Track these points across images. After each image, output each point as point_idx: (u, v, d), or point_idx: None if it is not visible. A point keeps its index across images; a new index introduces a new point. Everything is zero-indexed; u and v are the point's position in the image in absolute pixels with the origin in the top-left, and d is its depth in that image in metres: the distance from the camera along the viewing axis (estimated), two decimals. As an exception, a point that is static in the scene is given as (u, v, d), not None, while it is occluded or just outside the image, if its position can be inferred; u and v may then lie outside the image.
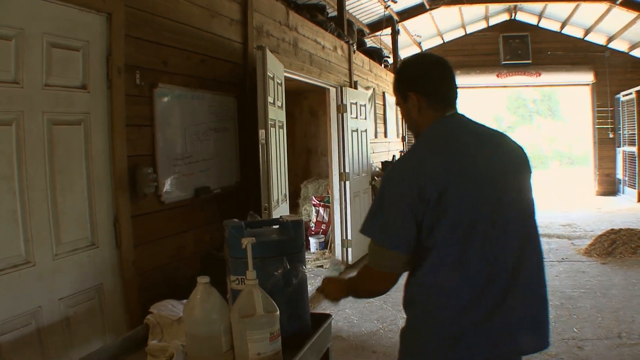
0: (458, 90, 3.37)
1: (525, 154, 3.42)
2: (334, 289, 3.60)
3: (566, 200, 22.42)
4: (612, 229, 13.19)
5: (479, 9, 20.91)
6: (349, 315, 8.64)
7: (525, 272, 3.12)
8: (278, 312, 3.10)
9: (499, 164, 3.19)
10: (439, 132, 3.21)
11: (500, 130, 3.50)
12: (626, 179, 21.60)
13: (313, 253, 13.11)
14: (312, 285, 10.14)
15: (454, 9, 19.75)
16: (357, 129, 12.58)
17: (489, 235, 3.01)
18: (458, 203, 2.95)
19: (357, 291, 3.50)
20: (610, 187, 22.83)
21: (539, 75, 23.12)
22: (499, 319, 3.01)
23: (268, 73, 6.84)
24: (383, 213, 3.07)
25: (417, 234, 2.99)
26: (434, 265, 3.01)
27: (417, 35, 21.89)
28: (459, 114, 3.33)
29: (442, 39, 23.89)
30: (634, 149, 20.09)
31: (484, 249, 3.00)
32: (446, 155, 3.08)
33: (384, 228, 3.05)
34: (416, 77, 3.32)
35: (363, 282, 3.37)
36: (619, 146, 22.18)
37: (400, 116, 18.35)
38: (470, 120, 3.35)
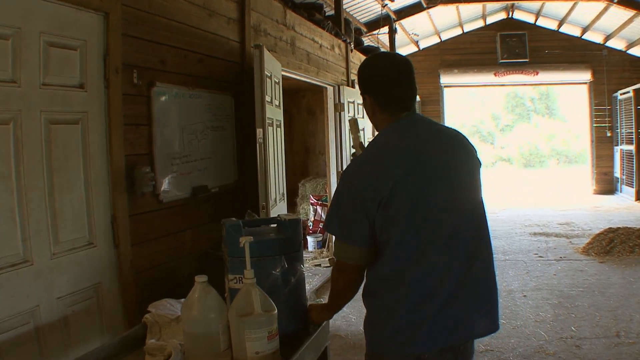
0: (415, 90, 3.49)
1: (475, 152, 3.53)
2: (316, 312, 3.71)
3: (564, 198, 22.41)
4: (610, 228, 13.21)
5: (476, 8, 20.88)
6: (347, 314, 8.65)
7: (477, 263, 3.29)
8: (276, 311, 3.10)
9: (450, 162, 3.32)
10: (390, 135, 3.35)
11: (454, 129, 3.57)
12: (624, 177, 21.61)
13: (311, 252, 13.08)
14: (310, 284, 10.17)
15: (451, 8, 19.73)
16: (355, 128, 12.53)
17: (443, 229, 3.19)
18: (409, 201, 3.12)
19: (335, 294, 3.56)
20: (608, 186, 22.84)
21: (537, 73, 23.13)
22: (455, 307, 3.21)
23: (265, 72, 6.84)
24: (340, 210, 3.26)
25: (371, 231, 3.18)
26: (392, 259, 3.18)
27: (415, 34, 21.88)
28: (414, 115, 3.43)
29: (440, 37, 23.88)
30: (632, 147, 20.10)
31: (439, 242, 3.18)
32: (396, 157, 3.22)
33: (341, 224, 3.26)
34: (370, 81, 3.46)
35: (336, 281, 3.47)
36: (617, 145, 22.18)
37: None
38: (425, 120, 3.49)
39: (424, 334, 3.17)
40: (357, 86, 12.29)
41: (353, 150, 4.11)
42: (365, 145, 3.59)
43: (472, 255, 3.27)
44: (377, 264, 3.24)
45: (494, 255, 3.47)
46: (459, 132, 3.55)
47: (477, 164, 3.49)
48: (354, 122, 4.09)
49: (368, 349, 3.46)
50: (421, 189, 3.14)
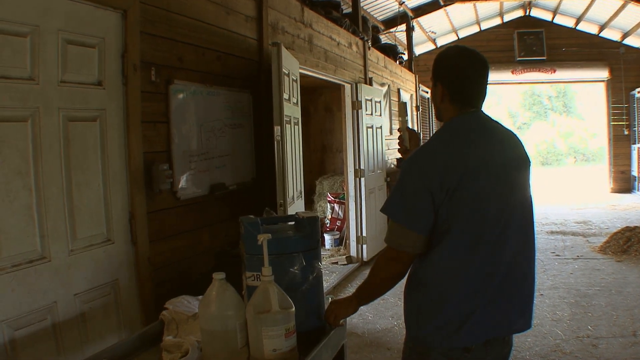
0: (486, 92, 3.50)
1: (527, 152, 3.59)
2: (340, 307, 3.63)
3: (581, 197, 22.34)
4: (627, 227, 13.15)
5: (493, 5, 20.84)
6: (364, 312, 8.64)
7: (522, 260, 3.37)
8: (294, 309, 3.09)
9: (508, 161, 3.38)
10: (459, 128, 3.36)
11: (510, 129, 3.61)
12: (641, 176, 21.53)
13: (328, 249, 13.10)
14: (327, 281, 10.18)
15: (468, 5, 19.71)
16: (372, 126, 12.57)
17: (498, 225, 3.24)
18: (474, 194, 3.17)
19: (372, 286, 3.53)
20: (625, 185, 22.74)
21: (554, 71, 23.05)
22: (501, 300, 3.28)
23: (283, 70, 6.84)
24: (406, 195, 3.24)
25: (434, 219, 3.19)
26: (450, 249, 3.20)
27: (432, 32, 21.87)
28: (479, 112, 3.46)
29: (457, 35, 23.84)
30: (650, 146, 20.02)
31: (493, 238, 3.23)
32: (465, 149, 3.24)
33: (406, 209, 3.23)
34: (447, 70, 3.44)
35: (381, 271, 3.43)
36: (634, 143, 22.07)
37: (415, 113, 18.35)
38: (487, 118, 3.48)
39: (472, 326, 3.23)
40: (375, 84, 12.30)
41: (398, 134, 4.20)
42: (409, 128, 3.94)
43: (518, 252, 3.35)
44: (431, 253, 3.28)
45: (536, 259, 3.53)
46: (512, 131, 3.63)
47: (529, 163, 3.56)
48: (403, 107, 4.27)
49: (411, 342, 3.46)
50: (486, 183, 3.21)
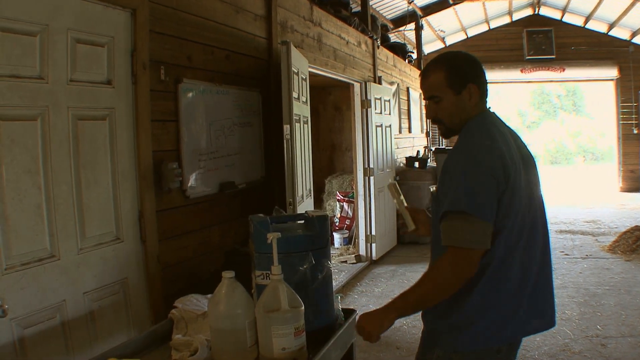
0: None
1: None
2: (372, 321, 3.23)
3: (590, 196, 22.30)
4: (636, 226, 13.11)
5: (502, 4, 20.82)
6: (373, 311, 8.63)
7: (546, 259, 3.42)
8: (303, 307, 3.10)
9: (525, 158, 3.36)
10: (491, 123, 3.37)
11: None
12: (651, 175, 21.48)
13: (337, 248, 13.09)
14: (336, 280, 10.18)
15: (477, 4, 19.69)
16: (382, 124, 12.58)
17: (531, 222, 3.26)
18: (522, 189, 3.18)
19: (425, 294, 3.16)
20: (634, 184, 22.66)
21: (563, 70, 23.01)
22: (535, 300, 3.31)
23: (292, 68, 6.84)
24: (470, 185, 3.08)
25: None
26: (504, 242, 3.15)
27: (441, 31, 21.86)
28: (489, 109, 3.50)
29: (466, 34, 23.82)
30: (659, 144, 19.98)
31: (528, 236, 3.25)
32: (508, 145, 3.24)
33: (474, 197, 3.06)
34: (476, 70, 3.42)
35: (439, 275, 3.13)
36: (644, 142, 22.01)
37: (424, 111, 18.32)
38: (496, 115, 3.51)
39: (512, 326, 3.24)
40: (384, 83, 12.29)
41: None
42: (409, 207, 3.88)
43: (544, 251, 3.38)
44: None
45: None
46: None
47: (535, 161, 3.54)
48: (394, 187, 4.00)
49: (447, 350, 3.27)
50: (524, 177, 3.23)
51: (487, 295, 3.17)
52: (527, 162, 3.34)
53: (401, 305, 3.20)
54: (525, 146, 3.47)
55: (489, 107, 3.48)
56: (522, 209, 3.17)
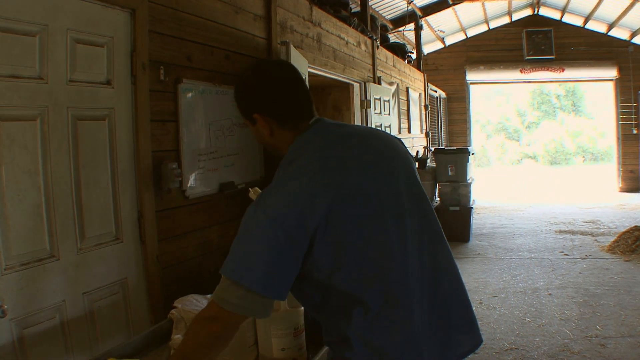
0: (310, 96, 3.00)
1: (402, 144, 3.13)
2: None
3: (589, 196, 22.29)
4: (635, 226, 13.13)
5: (502, 4, 20.85)
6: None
7: (442, 274, 2.89)
8: (302, 308, 3.10)
9: (377, 164, 2.84)
10: (310, 142, 2.85)
11: (368, 127, 3.24)
12: (650, 175, 21.49)
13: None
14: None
15: (476, 4, 19.72)
16: (381, 125, 12.56)
17: (402, 246, 2.75)
18: (346, 223, 2.63)
19: (185, 355, 2.64)
20: (634, 184, 22.68)
21: (563, 70, 23.05)
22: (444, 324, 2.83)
23: (292, 69, 6.83)
24: (248, 250, 2.67)
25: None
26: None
27: (441, 31, 21.90)
28: (318, 121, 2.96)
29: (465, 34, 23.85)
30: (658, 145, 20.00)
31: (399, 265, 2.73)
32: (322, 176, 2.67)
33: (248, 267, 2.60)
34: (261, 96, 2.94)
35: (200, 333, 2.64)
36: (643, 142, 22.03)
37: (423, 112, 18.35)
38: (332, 124, 3.01)
39: None
40: (383, 83, 12.29)
41: None
42: None
43: (434, 269, 2.87)
44: None
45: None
46: (378, 130, 3.22)
47: (409, 158, 3.09)
48: (255, 193, 3.56)
49: None
50: (356, 209, 2.69)
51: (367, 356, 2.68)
52: (382, 168, 2.83)
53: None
54: (385, 146, 2.96)
55: (310, 124, 2.92)
56: (372, 245, 2.68)
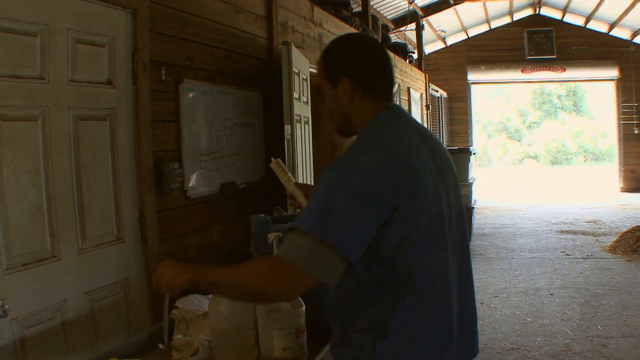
0: (394, 80, 2.99)
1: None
2: (169, 271, 2.78)
3: (591, 196, 22.28)
4: (637, 226, 13.14)
5: (503, 4, 20.85)
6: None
7: (462, 281, 2.91)
8: (304, 307, 3.10)
9: (441, 165, 2.86)
10: (390, 125, 2.80)
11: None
12: (652, 175, 21.48)
13: (337, 248, 13.05)
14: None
15: (478, 4, 19.72)
16: (382, 125, 12.50)
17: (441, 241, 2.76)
18: (429, 205, 2.66)
19: (228, 283, 2.61)
20: (635, 184, 22.67)
21: (564, 70, 23.05)
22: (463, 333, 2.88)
23: (293, 68, 6.84)
24: (336, 205, 2.50)
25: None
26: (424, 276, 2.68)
27: (442, 31, 21.90)
28: (397, 105, 2.96)
29: (467, 34, 23.86)
30: (660, 144, 19.99)
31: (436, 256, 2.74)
32: (414, 150, 2.71)
33: (333, 222, 2.47)
34: (352, 59, 2.86)
35: (257, 279, 2.53)
36: (645, 142, 22.02)
37: (425, 112, 18.34)
38: (407, 112, 3.08)
39: None
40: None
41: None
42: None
43: (459, 271, 2.93)
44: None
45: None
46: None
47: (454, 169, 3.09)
48: (277, 165, 3.72)
49: None
50: (444, 192, 2.79)
51: (401, 345, 2.65)
52: (441, 170, 2.83)
53: (202, 274, 2.71)
54: (440, 148, 2.96)
55: (393, 104, 2.92)
56: (436, 233, 2.70)
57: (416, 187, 2.59)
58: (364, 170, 2.54)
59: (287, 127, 6.64)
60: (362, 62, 2.84)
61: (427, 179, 2.65)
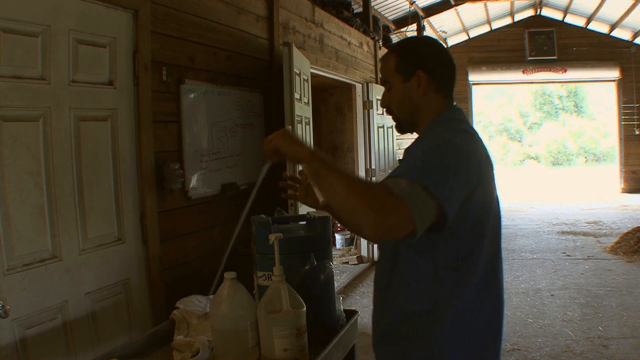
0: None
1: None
2: (292, 141, 2.88)
3: (592, 197, 22.26)
4: (638, 227, 13.10)
5: (504, 5, 20.81)
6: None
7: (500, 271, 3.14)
8: (305, 309, 3.10)
9: (491, 162, 2.94)
10: (463, 120, 2.97)
11: None
12: (652, 176, 21.47)
13: (339, 249, 13.13)
14: (338, 281, 10.18)
15: (479, 5, 19.68)
16: (383, 125, 12.57)
17: (491, 235, 2.93)
18: (491, 198, 2.85)
19: (339, 185, 2.47)
20: (636, 185, 22.61)
21: (565, 71, 22.99)
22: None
23: (294, 69, 6.85)
24: (441, 163, 2.55)
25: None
26: (482, 263, 2.93)
27: (443, 32, 21.86)
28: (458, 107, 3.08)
29: (468, 35, 23.81)
30: (661, 145, 19.98)
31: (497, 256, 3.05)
32: (480, 146, 2.84)
33: (438, 176, 2.48)
34: (430, 56, 2.95)
35: (369, 197, 2.37)
36: (645, 143, 22.00)
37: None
38: None
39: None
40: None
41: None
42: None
43: (497, 264, 3.18)
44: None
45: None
46: None
47: None
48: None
49: None
50: (490, 187, 2.91)
51: (459, 328, 2.76)
52: (492, 166, 2.92)
53: (320, 159, 2.62)
54: (487, 149, 2.95)
55: (455, 104, 3.04)
56: (493, 226, 2.89)
57: (487, 176, 2.77)
58: (454, 144, 2.66)
59: (288, 128, 6.64)
60: (439, 60, 2.97)
61: (491, 172, 2.84)
